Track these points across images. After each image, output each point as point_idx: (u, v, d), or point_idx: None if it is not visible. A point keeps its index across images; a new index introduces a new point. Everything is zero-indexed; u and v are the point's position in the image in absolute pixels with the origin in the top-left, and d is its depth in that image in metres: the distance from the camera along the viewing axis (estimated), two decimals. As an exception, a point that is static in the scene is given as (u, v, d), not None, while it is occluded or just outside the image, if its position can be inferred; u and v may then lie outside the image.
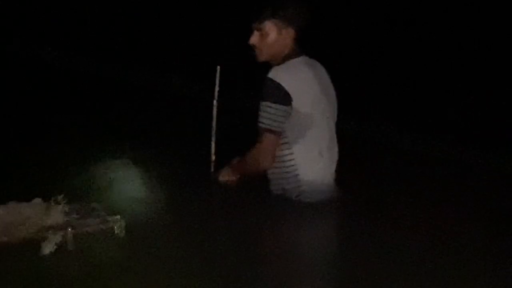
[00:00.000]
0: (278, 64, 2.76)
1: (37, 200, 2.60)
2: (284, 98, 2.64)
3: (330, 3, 6.52)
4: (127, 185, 3.01)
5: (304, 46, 2.85)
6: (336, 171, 2.90)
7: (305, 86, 2.70)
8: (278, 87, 2.63)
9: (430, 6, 6.98)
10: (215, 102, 2.98)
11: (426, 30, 6.86)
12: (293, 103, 2.66)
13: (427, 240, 2.55)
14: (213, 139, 3.01)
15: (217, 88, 2.96)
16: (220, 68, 2.95)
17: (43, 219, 2.51)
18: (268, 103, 2.64)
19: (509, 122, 3.80)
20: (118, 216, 2.54)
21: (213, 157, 3.02)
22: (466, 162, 3.61)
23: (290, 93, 2.65)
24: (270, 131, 2.67)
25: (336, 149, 2.88)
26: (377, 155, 3.68)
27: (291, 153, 2.75)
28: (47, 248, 2.37)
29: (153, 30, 6.83)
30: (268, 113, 2.65)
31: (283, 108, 2.65)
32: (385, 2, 7.09)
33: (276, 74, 2.67)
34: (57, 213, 2.54)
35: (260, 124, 2.69)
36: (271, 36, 2.75)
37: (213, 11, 6.72)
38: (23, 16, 6.82)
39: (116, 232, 2.51)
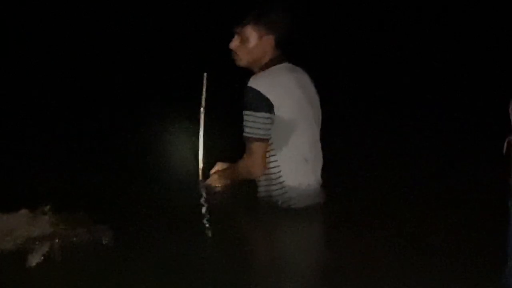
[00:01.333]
0: (259, 71, 2.75)
1: (24, 211, 2.58)
2: (265, 105, 2.64)
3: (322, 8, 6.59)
4: (115, 194, 2.99)
5: (290, 53, 2.85)
6: (321, 176, 2.90)
7: (286, 93, 2.70)
8: (259, 95, 2.63)
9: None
10: (202, 109, 2.97)
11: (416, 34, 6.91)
12: (275, 110, 2.66)
13: (415, 245, 2.56)
14: (201, 146, 3.00)
15: (204, 95, 2.96)
16: (207, 75, 2.94)
17: (29, 230, 2.49)
18: (251, 112, 2.63)
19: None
20: (106, 226, 2.53)
21: (201, 165, 3.01)
22: (455, 166, 3.62)
23: (271, 100, 2.64)
24: (257, 139, 2.66)
25: (320, 154, 2.88)
26: (363, 159, 3.68)
27: (276, 160, 2.74)
28: (34, 259, 2.36)
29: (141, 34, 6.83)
30: (252, 122, 2.64)
31: (266, 116, 2.64)
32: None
33: (256, 82, 2.66)
34: (43, 224, 2.52)
35: (246, 134, 2.67)
36: (251, 41, 2.74)
37: (200, 18, 6.72)
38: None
39: (104, 242, 2.49)
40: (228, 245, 2.58)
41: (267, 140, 2.69)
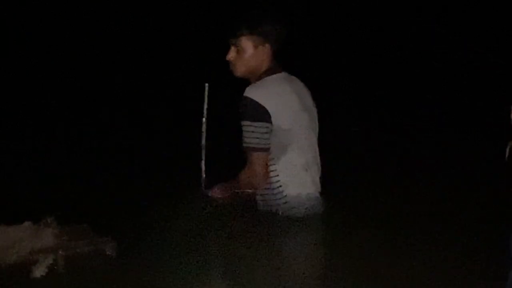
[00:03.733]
0: (255, 81, 2.76)
1: (27, 223, 2.58)
2: (263, 115, 2.64)
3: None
4: (118, 205, 3.00)
5: (286, 62, 2.86)
6: (322, 183, 2.90)
7: (283, 102, 2.70)
8: (256, 104, 2.63)
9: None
10: (204, 120, 2.97)
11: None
12: (273, 119, 2.66)
13: (418, 254, 2.56)
14: (203, 157, 3.00)
15: (205, 106, 2.96)
16: (209, 86, 2.94)
17: (33, 242, 2.49)
18: (249, 122, 2.64)
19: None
20: (109, 237, 2.54)
21: (204, 175, 3.01)
22: (456, 168, 3.61)
23: (268, 109, 2.64)
24: (257, 149, 2.67)
25: (319, 162, 2.88)
26: (364, 166, 3.68)
27: (275, 170, 2.74)
28: (38, 271, 2.37)
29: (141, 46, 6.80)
30: (251, 132, 2.64)
31: (264, 125, 2.65)
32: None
33: (252, 92, 2.66)
34: (47, 236, 2.52)
35: (245, 145, 2.67)
36: (247, 52, 2.74)
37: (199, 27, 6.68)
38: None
39: (107, 253, 2.51)
40: (230, 255, 2.59)
41: (267, 150, 2.69)
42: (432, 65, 6.40)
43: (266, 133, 2.65)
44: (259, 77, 2.75)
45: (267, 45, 2.74)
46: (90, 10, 7.18)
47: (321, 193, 2.89)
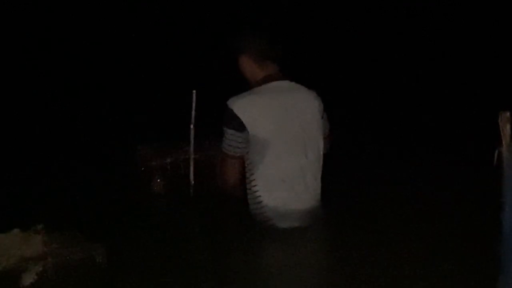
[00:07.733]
0: (254, 87, 2.81)
1: (16, 230, 2.58)
2: (238, 125, 2.71)
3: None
4: (108, 212, 3.00)
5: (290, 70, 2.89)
6: (319, 199, 2.86)
7: (261, 113, 2.72)
8: (232, 114, 2.71)
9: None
10: (192, 126, 3.01)
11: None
12: (250, 129, 2.69)
13: (410, 270, 2.54)
14: (192, 162, 3.03)
15: (193, 113, 3.00)
16: (196, 93, 2.98)
17: (22, 250, 2.49)
18: (224, 129, 2.73)
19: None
20: (99, 244, 2.54)
21: (192, 181, 3.03)
22: (452, 179, 3.58)
23: (244, 120, 2.69)
24: (229, 156, 2.73)
25: (313, 176, 2.84)
26: (361, 180, 3.62)
27: (254, 179, 2.77)
28: (28, 279, 2.37)
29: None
30: (226, 138, 2.73)
31: (238, 134, 2.71)
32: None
33: (233, 101, 2.75)
34: (36, 243, 2.52)
35: (221, 148, 2.75)
36: (238, 63, 2.87)
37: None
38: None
39: (97, 260, 2.51)
40: (218, 263, 2.62)
41: (237, 157, 2.73)
42: (432, 66, 6.41)
43: (237, 141, 2.71)
44: (256, 84, 2.81)
45: (243, 56, 2.83)
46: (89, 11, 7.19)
47: (318, 207, 2.85)
